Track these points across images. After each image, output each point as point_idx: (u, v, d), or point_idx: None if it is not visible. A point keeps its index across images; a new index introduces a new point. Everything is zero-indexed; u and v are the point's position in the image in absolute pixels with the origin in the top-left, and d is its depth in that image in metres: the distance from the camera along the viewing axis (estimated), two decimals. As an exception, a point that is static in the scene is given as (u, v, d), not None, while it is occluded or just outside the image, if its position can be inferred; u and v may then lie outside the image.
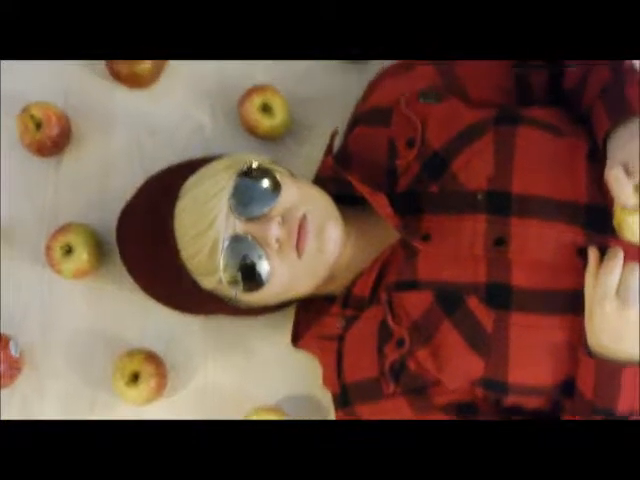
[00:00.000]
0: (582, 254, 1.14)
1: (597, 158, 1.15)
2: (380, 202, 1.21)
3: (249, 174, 1.19)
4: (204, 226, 1.16)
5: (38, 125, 1.41)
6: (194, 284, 1.21)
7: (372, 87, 1.40)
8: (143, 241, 1.24)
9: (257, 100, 1.42)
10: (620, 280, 1.11)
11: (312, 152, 1.44)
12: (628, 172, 1.07)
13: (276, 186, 1.18)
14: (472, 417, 1.24)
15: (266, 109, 1.42)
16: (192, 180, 1.21)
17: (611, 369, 1.11)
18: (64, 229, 1.41)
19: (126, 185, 1.35)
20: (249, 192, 1.18)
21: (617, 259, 1.11)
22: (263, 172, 1.20)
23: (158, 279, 1.26)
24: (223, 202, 1.16)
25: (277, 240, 1.16)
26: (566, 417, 1.20)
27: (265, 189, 1.18)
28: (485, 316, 1.14)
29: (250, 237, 1.16)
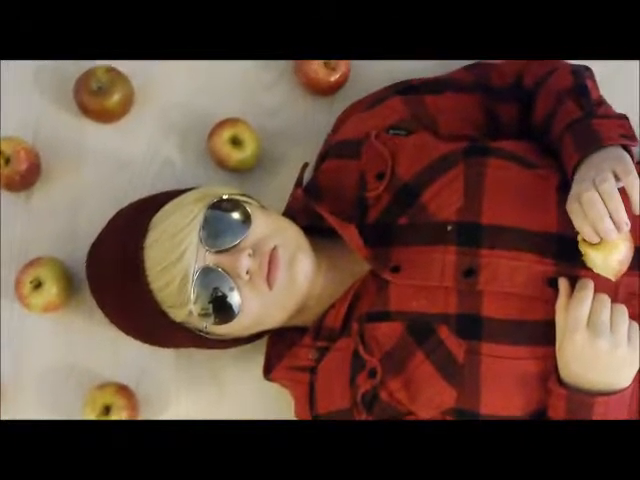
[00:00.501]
0: (553, 285, 1.15)
1: (568, 190, 1.16)
2: (350, 234, 1.21)
3: (219, 206, 1.19)
4: (174, 258, 1.15)
5: (7, 160, 1.41)
6: (164, 317, 1.20)
7: (342, 120, 1.41)
8: (113, 275, 1.23)
9: (227, 133, 1.42)
10: (590, 311, 1.11)
11: (282, 184, 1.43)
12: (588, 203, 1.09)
13: (246, 218, 1.18)
14: None
15: (236, 142, 1.42)
16: (162, 213, 1.21)
17: (582, 399, 1.12)
18: (34, 263, 1.40)
19: (96, 219, 1.34)
20: (219, 224, 1.18)
21: (587, 290, 1.12)
22: (233, 204, 1.20)
23: (128, 313, 1.24)
24: (193, 234, 1.16)
25: (248, 272, 1.15)
26: None
27: (235, 221, 1.18)
28: (456, 346, 1.14)
29: (221, 269, 1.16)
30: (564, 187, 1.18)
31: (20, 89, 1.51)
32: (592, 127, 1.19)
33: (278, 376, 1.31)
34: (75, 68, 1.45)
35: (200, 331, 1.23)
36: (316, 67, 1.43)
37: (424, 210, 1.21)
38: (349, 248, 1.24)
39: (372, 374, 1.18)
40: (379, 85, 1.43)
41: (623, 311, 1.12)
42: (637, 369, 1.13)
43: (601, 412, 1.12)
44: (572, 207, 1.11)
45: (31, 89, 1.52)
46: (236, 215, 1.19)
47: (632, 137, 1.19)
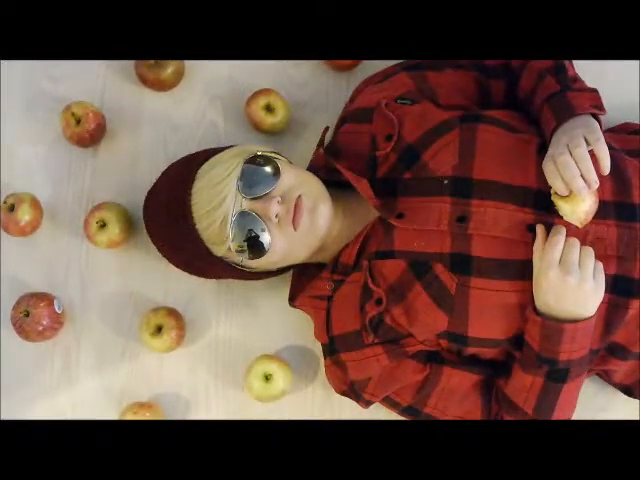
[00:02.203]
0: (531, 230, 1.20)
1: (545, 152, 1.21)
2: (363, 186, 1.26)
3: (254, 161, 1.24)
4: (216, 203, 1.21)
5: (78, 121, 1.48)
6: (208, 252, 1.25)
7: (357, 92, 1.46)
8: (165, 217, 1.27)
9: (262, 101, 1.48)
10: (562, 252, 1.17)
11: (307, 145, 1.49)
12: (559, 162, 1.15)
13: (276, 171, 1.23)
14: (438, 363, 1.30)
15: (269, 109, 1.48)
16: (206, 165, 1.26)
17: (554, 325, 1.18)
18: (99, 207, 1.47)
19: (152, 171, 1.41)
20: (254, 176, 1.22)
21: (560, 235, 1.18)
22: (265, 159, 1.25)
23: (178, 248, 1.29)
24: (232, 184, 1.21)
25: (277, 216, 1.20)
26: (515, 366, 1.26)
27: (267, 173, 1.23)
28: (449, 280, 1.20)
29: (254, 213, 1.21)
30: (542, 149, 1.23)
31: (90, 63, 1.57)
32: (567, 99, 1.25)
33: (300, 303, 1.38)
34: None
35: (237, 265, 1.29)
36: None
37: (425, 167, 1.25)
38: (362, 198, 1.29)
39: (378, 302, 1.25)
40: (389, 64, 1.47)
41: (590, 252, 1.18)
42: (600, 301, 1.19)
43: (570, 337, 1.18)
44: (547, 166, 1.17)
45: (99, 62, 1.57)
46: (268, 169, 1.23)
47: (601, 107, 1.25)
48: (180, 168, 1.30)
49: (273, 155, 1.30)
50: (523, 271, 1.20)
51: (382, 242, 1.26)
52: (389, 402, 1.36)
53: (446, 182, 1.23)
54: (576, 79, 1.32)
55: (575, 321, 1.18)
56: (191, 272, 1.37)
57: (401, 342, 1.28)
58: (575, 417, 1.31)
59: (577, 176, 1.13)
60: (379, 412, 1.44)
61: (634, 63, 1.54)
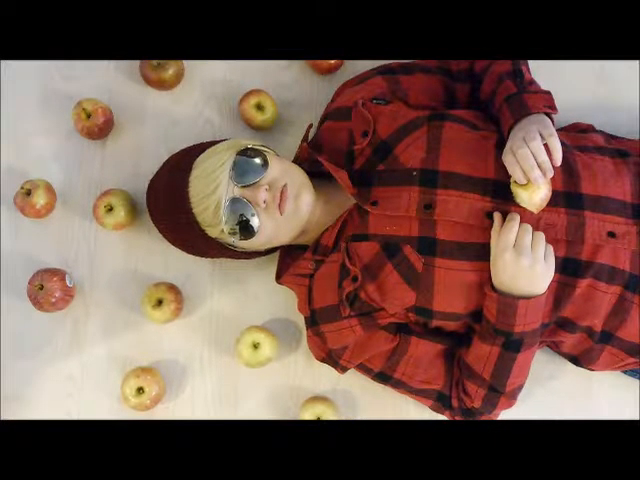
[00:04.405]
0: (489, 217, 1.23)
1: (503, 147, 1.24)
2: (342, 177, 1.29)
3: (245, 153, 1.26)
4: (210, 190, 1.23)
5: (88, 116, 1.51)
6: (203, 234, 1.27)
7: (338, 93, 1.49)
8: (165, 202, 1.29)
9: (253, 100, 1.50)
10: (516, 236, 1.20)
11: (293, 140, 1.54)
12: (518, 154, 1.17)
13: (265, 162, 1.25)
14: (407, 334, 1.32)
15: (259, 107, 1.51)
16: (203, 156, 1.27)
17: (509, 301, 1.21)
18: (107, 193, 1.50)
19: (154, 162, 1.45)
20: (245, 166, 1.24)
21: (514, 221, 1.20)
22: (256, 152, 1.27)
23: (177, 230, 1.30)
24: (225, 173, 1.23)
25: (265, 202, 1.23)
26: (475, 338, 1.29)
27: (257, 164, 1.25)
28: (417, 260, 1.23)
29: (245, 199, 1.23)
30: (501, 145, 1.26)
31: (99, 64, 1.59)
32: (524, 99, 1.27)
33: (286, 281, 1.40)
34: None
35: (229, 245, 1.31)
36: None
37: (396, 160, 1.28)
38: (341, 187, 1.33)
39: (354, 280, 1.28)
40: (367, 68, 1.49)
41: (542, 237, 1.21)
42: (550, 280, 1.21)
43: (523, 311, 1.21)
44: (507, 158, 1.20)
45: (108, 64, 1.60)
46: (257, 160, 1.25)
47: (553, 107, 1.27)
48: (179, 159, 1.31)
49: (262, 148, 1.32)
50: (482, 253, 1.23)
51: (358, 226, 1.28)
52: (363, 368, 1.38)
53: (415, 173, 1.26)
54: (532, 82, 1.34)
55: (528, 298, 1.21)
56: (189, 252, 1.38)
57: (374, 315, 1.30)
58: (527, 384, 1.34)
59: (534, 166, 1.16)
60: (375, 413, 1.49)
61: (588, 66, 1.58)
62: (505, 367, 1.28)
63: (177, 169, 1.29)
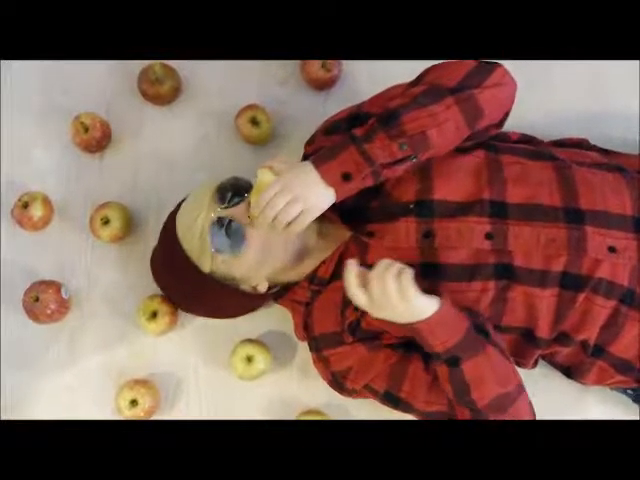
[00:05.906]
0: (489, 238, 1.22)
1: (496, 165, 1.26)
2: (335, 215, 1.30)
3: (226, 184, 1.29)
4: (193, 218, 1.27)
5: (86, 129, 1.51)
6: (197, 271, 1.28)
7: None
8: (162, 247, 1.37)
9: (248, 115, 1.51)
10: (371, 284, 1.16)
11: (288, 155, 1.50)
12: None
13: (249, 186, 1.28)
14: (410, 350, 1.28)
15: (255, 122, 1.52)
16: (184, 202, 1.33)
17: (410, 328, 1.19)
18: (103, 206, 1.51)
19: (151, 175, 1.51)
20: (228, 191, 1.27)
21: (352, 266, 1.19)
22: (235, 181, 1.30)
23: (174, 276, 1.34)
24: (205, 200, 1.27)
25: (249, 216, 1.23)
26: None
27: (240, 188, 1.28)
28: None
29: (228, 217, 1.25)
30: (491, 164, 1.27)
31: (98, 78, 1.60)
32: None
33: (281, 303, 1.43)
34: (138, 63, 1.55)
35: (228, 281, 1.30)
36: (316, 68, 1.52)
37: (389, 195, 1.28)
38: (335, 223, 1.32)
39: (357, 308, 1.24)
40: (364, 83, 1.54)
41: (383, 266, 1.17)
42: (421, 302, 1.17)
43: (429, 332, 1.18)
44: None
45: (106, 79, 1.60)
46: (241, 185, 1.29)
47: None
48: (169, 224, 1.35)
49: (241, 182, 1.32)
50: (485, 272, 1.23)
51: (358, 257, 1.25)
52: (370, 390, 1.34)
53: (412, 206, 1.26)
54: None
55: (419, 322, 1.18)
56: (203, 311, 1.44)
57: (379, 337, 1.30)
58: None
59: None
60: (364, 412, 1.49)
61: (581, 74, 1.57)
62: (458, 381, 1.23)
63: (165, 228, 1.36)
